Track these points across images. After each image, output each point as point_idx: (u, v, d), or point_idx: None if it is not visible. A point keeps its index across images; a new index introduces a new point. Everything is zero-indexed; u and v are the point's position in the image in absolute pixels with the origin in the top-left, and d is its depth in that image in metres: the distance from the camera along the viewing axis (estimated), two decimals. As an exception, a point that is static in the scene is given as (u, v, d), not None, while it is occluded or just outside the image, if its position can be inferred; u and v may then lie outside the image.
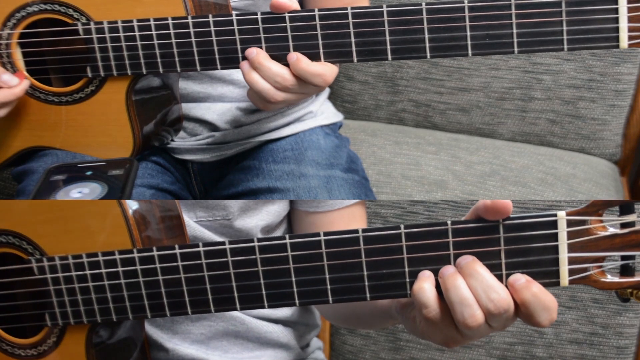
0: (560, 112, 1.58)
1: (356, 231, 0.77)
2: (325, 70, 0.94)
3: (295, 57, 0.93)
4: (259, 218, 1.09)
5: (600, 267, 0.74)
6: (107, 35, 0.97)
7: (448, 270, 0.75)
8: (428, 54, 0.90)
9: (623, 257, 0.74)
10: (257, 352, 1.10)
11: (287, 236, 0.79)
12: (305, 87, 0.96)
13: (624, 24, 0.85)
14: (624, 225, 0.73)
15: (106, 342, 0.90)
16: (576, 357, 1.39)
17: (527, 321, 0.74)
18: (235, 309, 0.81)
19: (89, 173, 0.88)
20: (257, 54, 0.94)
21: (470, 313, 0.73)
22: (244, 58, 0.95)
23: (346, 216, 1.10)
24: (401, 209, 1.41)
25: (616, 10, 0.85)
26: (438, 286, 0.75)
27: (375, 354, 1.45)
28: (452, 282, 0.74)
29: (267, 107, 0.98)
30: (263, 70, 0.94)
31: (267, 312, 1.11)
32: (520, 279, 0.74)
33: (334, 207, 1.10)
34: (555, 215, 0.73)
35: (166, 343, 1.05)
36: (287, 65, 0.94)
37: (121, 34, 0.97)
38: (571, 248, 0.74)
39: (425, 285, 0.75)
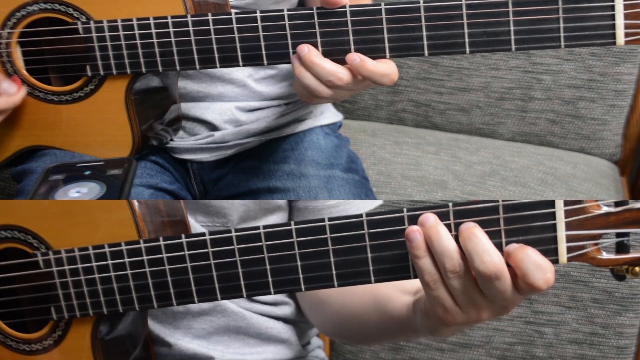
0: (560, 112, 1.58)
1: (360, 215, 0.78)
2: (392, 69, 0.92)
3: (358, 58, 0.91)
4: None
5: (597, 244, 0.76)
6: (107, 34, 0.97)
7: (429, 219, 0.76)
8: (426, 52, 0.91)
9: (618, 235, 0.76)
10: (259, 348, 1.10)
11: (292, 222, 0.80)
12: (358, 85, 0.94)
13: (620, 21, 0.85)
14: (617, 204, 0.75)
15: (112, 335, 0.90)
16: (576, 357, 1.39)
17: (524, 285, 0.74)
18: (241, 296, 0.82)
19: (87, 173, 0.88)
20: (309, 51, 0.92)
21: (451, 263, 0.75)
22: (244, 57, 0.95)
23: None
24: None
25: (612, 7, 0.85)
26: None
27: (375, 354, 1.45)
28: (434, 232, 0.76)
29: (313, 101, 0.96)
30: (316, 69, 0.91)
31: (267, 309, 1.11)
32: (513, 245, 0.75)
33: None
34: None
35: (168, 338, 1.05)
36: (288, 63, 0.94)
37: (121, 33, 0.97)
38: (568, 226, 0.75)
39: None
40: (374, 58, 0.92)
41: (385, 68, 0.91)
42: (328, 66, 0.91)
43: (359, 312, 0.98)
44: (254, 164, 1.16)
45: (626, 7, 0.84)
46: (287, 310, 1.13)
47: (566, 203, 0.75)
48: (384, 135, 1.56)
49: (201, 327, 1.07)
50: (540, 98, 1.58)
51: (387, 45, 0.91)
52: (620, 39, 0.85)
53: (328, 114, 1.24)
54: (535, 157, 1.52)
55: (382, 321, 0.94)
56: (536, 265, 0.73)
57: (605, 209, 0.75)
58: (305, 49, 0.92)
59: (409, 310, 0.87)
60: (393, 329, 0.93)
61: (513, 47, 0.88)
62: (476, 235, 0.75)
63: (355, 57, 0.91)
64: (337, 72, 0.91)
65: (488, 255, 0.74)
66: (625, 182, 1.65)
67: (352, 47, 0.92)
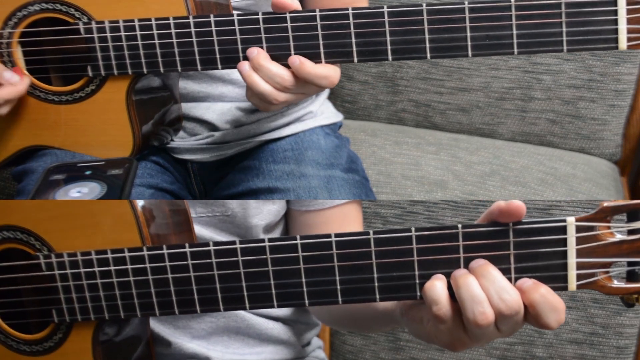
0: (560, 112, 1.58)
1: (367, 233, 0.78)
2: (329, 71, 0.94)
3: (297, 61, 0.93)
4: (259, 218, 1.09)
5: (607, 272, 0.75)
6: (109, 34, 0.97)
7: (460, 271, 0.76)
8: (428, 55, 0.90)
9: (629, 263, 0.75)
10: (258, 349, 1.10)
11: (298, 237, 0.79)
12: (306, 88, 0.96)
13: (623, 26, 0.85)
14: (631, 232, 0.74)
15: (113, 339, 0.90)
16: (576, 357, 1.40)
17: (535, 323, 0.74)
18: (244, 308, 0.82)
19: (88, 172, 0.88)
20: (258, 54, 0.94)
21: (481, 310, 0.73)
22: (245, 58, 0.95)
23: (339, 215, 1.10)
24: (401, 209, 1.41)
25: (615, 12, 0.85)
26: (450, 288, 0.76)
27: (375, 354, 1.46)
28: (463, 280, 0.75)
29: (268, 108, 0.98)
30: (263, 71, 0.93)
31: (267, 310, 1.11)
32: (527, 281, 0.75)
33: (324, 206, 1.10)
34: (564, 220, 0.74)
35: (169, 337, 1.05)
36: (288, 65, 0.94)
37: (122, 34, 0.97)
38: (579, 253, 0.74)
39: (437, 282, 0.76)
40: (376, 60, 0.92)
41: (323, 70, 0.93)
42: (274, 68, 0.93)
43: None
44: (254, 164, 1.16)
45: (629, 12, 0.84)
46: (286, 310, 1.13)
47: (578, 229, 0.74)
48: (384, 135, 1.56)
49: (201, 328, 1.07)
50: (540, 98, 1.58)
51: (389, 47, 0.91)
52: (623, 43, 0.85)
53: (328, 114, 1.24)
54: (535, 157, 1.52)
55: (368, 313, 0.95)
56: (552, 307, 0.73)
57: (618, 237, 0.74)
58: (255, 51, 0.94)
59: (394, 304, 0.87)
60: (379, 321, 0.94)
61: (515, 50, 0.88)
62: (491, 272, 0.74)
63: (295, 59, 0.93)
64: (282, 74, 0.93)
65: (507, 293, 0.74)
66: (625, 182, 1.64)
67: (355, 49, 0.92)
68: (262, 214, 1.09)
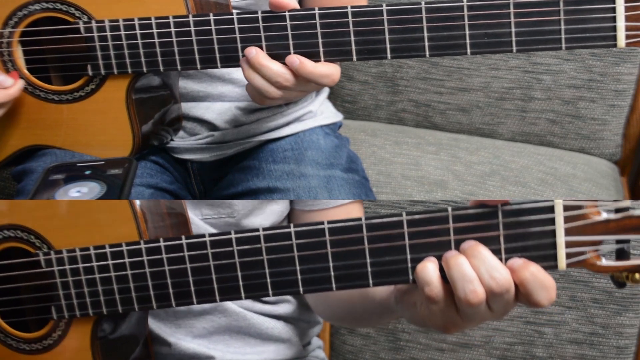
0: (560, 112, 1.58)
1: (359, 219, 0.78)
2: (331, 70, 0.94)
3: (297, 61, 0.93)
4: (263, 218, 1.09)
5: (597, 251, 0.75)
6: (109, 33, 0.98)
7: (450, 252, 0.77)
8: (427, 53, 0.91)
9: (618, 242, 0.75)
10: (259, 348, 1.10)
11: (291, 225, 0.80)
12: (307, 86, 0.96)
13: (621, 23, 0.85)
14: (618, 210, 0.74)
15: (111, 335, 0.91)
16: (576, 357, 1.40)
17: (526, 302, 0.75)
18: (240, 298, 0.82)
19: (87, 172, 0.89)
20: (257, 54, 0.94)
21: (472, 289, 0.74)
22: (244, 56, 0.95)
23: (341, 214, 1.10)
24: (401, 209, 1.41)
25: (613, 10, 0.85)
26: (442, 271, 0.77)
27: (375, 354, 1.46)
28: (454, 260, 0.75)
29: (265, 102, 0.98)
30: (263, 70, 0.94)
31: (268, 308, 1.11)
32: (517, 260, 0.75)
33: (328, 206, 1.10)
34: (552, 200, 0.75)
35: (169, 337, 1.05)
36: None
37: (122, 33, 0.97)
38: (568, 232, 0.75)
39: (428, 264, 0.77)
40: (375, 59, 0.92)
41: (324, 69, 0.94)
42: (275, 67, 0.94)
43: (343, 296, 0.99)
44: (254, 163, 1.16)
45: (627, 9, 0.85)
46: (287, 308, 1.13)
47: (566, 208, 0.74)
48: (384, 135, 1.56)
49: (202, 327, 1.07)
50: (540, 98, 1.58)
51: (388, 46, 0.91)
52: (621, 40, 0.86)
53: (328, 114, 1.24)
54: (535, 157, 1.53)
55: (365, 304, 0.96)
56: (542, 285, 0.74)
57: (605, 216, 0.74)
58: (253, 51, 0.94)
59: (389, 292, 0.88)
60: (377, 312, 0.95)
61: (514, 48, 0.88)
62: (481, 252, 0.75)
63: (294, 59, 0.93)
64: (284, 73, 0.94)
65: (497, 271, 0.74)
66: (625, 182, 1.65)
67: (354, 48, 0.92)
68: (265, 214, 1.09)
